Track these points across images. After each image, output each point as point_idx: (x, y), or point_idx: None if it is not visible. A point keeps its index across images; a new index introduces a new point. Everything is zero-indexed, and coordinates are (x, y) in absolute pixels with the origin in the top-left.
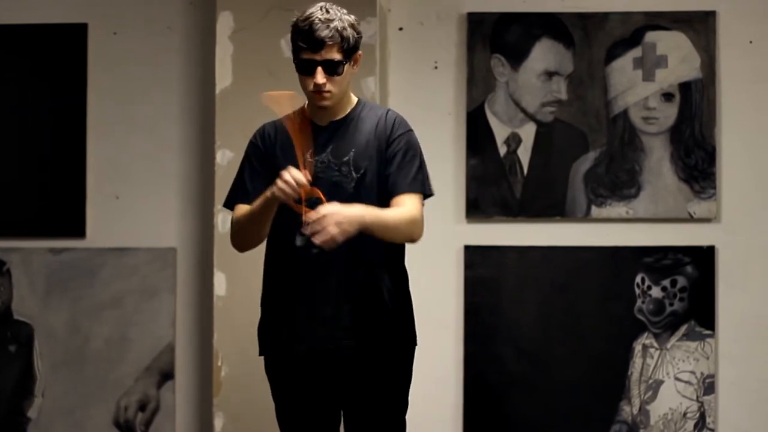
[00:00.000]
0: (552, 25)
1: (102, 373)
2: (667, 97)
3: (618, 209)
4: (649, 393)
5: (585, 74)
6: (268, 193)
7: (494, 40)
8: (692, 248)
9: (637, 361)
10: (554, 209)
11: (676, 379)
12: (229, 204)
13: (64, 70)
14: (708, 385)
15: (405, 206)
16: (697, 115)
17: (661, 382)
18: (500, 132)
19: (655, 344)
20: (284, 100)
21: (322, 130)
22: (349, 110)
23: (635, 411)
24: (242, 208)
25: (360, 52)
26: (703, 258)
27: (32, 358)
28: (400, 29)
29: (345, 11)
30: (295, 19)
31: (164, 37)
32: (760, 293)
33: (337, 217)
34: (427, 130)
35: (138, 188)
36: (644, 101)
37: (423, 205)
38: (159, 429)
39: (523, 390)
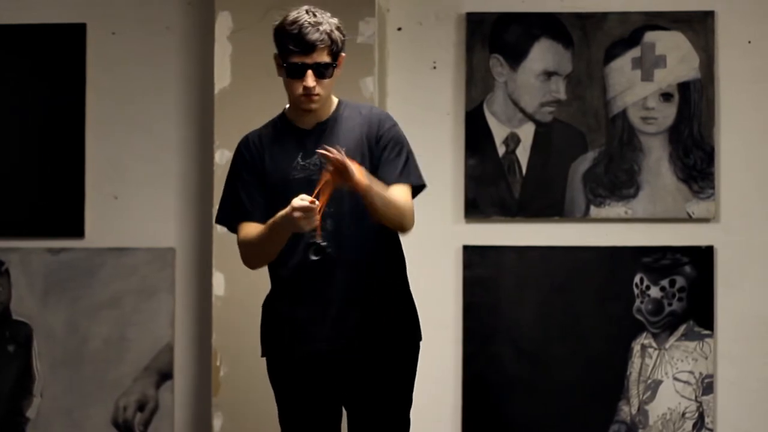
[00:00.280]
0: (551, 25)
1: (101, 373)
2: (666, 97)
3: (617, 209)
4: (648, 393)
5: (584, 74)
6: (282, 221)
7: (493, 40)
8: (691, 248)
9: (635, 361)
10: (553, 209)
11: (675, 379)
12: (230, 223)
13: (63, 70)
14: (707, 385)
15: (397, 192)
16: (695, 115)
17: (660, 382)
18: (499, 132)
19: (654, 344)
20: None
21: (309, 133)
22: (332, 111)
23: (634, 411)
24: (249, 228)
25: (343, 54)
26: (702, 258)
27: (31, 358)
28: (399, 29)
29: (329, 14)
30: (277, 22)
31: (163, 37)
32: (758, 293)
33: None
34: (426, 130)
35: (137, 188)
36: (643, 101)
37: (412, 195)
38: (158, 429)
39: (522, 390)
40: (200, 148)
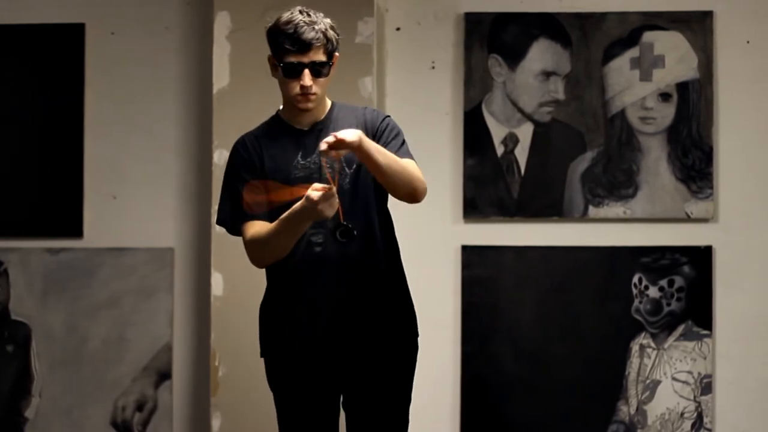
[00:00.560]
0: (549, 25)
1: (99, 373)
2: (665, 97)
3: (615, 209)
4: (647, 393)
5: (582, 74)
6: (301, 212)
7: (491, 40)
8: (689, 248)
9: (634, 361)
10: (551, 209)
11: (674, 379)
12: (233, 223)
13: (62, 70)
14: (705, 385)
15: (404, 160)
16: (694, 115)
17: (659, 382)
18: (497, 132)
19: (653, 344)
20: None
21: (306, 133)
22: (327, 111)
23: (632, 411)
24: (257, 226)
25: (337, 54)
26: (701, 258)
27: (29, 358)
28: (398, 29)
29: (322, 14)
30: (270, 23)
31: (161, 37)
32: (757, 293)
33: (340, 133)
34: (425, 130)
35: (135, 188)
36: (641, 101)
37: None
38: (156, 429)
39: (521, 390)
40: (199, 148)
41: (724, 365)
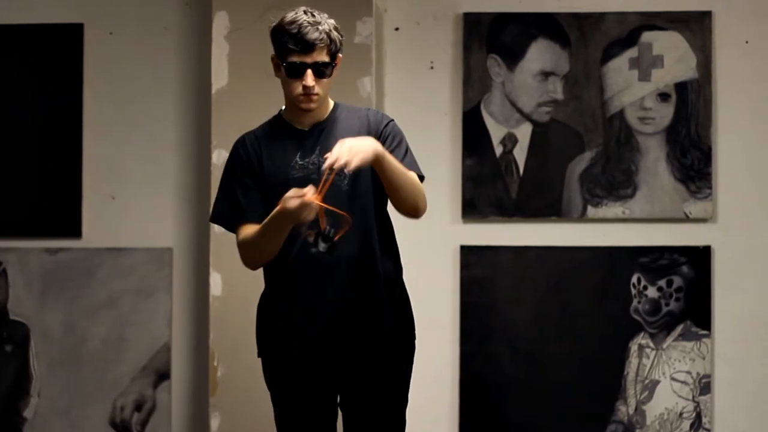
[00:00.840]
0: (548, 25)
1: (98, 373)
2: (663, 97)
3: (614, 209)
4: (645, 393)
5: (581, 74)
6: (279, 216)
7: (490, 40)
8: (688, 248)
9: (633, 361)
10: (550, 209)
11: (672, 379)
12: (227, 222)
13: (60, 70)
14: (704, 385)
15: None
16: (693, 115)
17: (657, 382)
18: (496, 132)
19: (651, 344)
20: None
21: (307, 134)
22: (329, 112)
23: (631, 411)
24: (249, 229)
25: (341, 55)
26: (699, 258)
27: (28, 358)
28: (397, 29)
29: (326, 14)
30: (274, 23)
31: (160, 37)
32: (756, 293)
33: (352, 143)
34: (423, 130)
35: (134, 188)
36: (640, 101)
37: None
38: (155, 429)
39: (519, 390)
40: (197, 148)
41: (723, 365)
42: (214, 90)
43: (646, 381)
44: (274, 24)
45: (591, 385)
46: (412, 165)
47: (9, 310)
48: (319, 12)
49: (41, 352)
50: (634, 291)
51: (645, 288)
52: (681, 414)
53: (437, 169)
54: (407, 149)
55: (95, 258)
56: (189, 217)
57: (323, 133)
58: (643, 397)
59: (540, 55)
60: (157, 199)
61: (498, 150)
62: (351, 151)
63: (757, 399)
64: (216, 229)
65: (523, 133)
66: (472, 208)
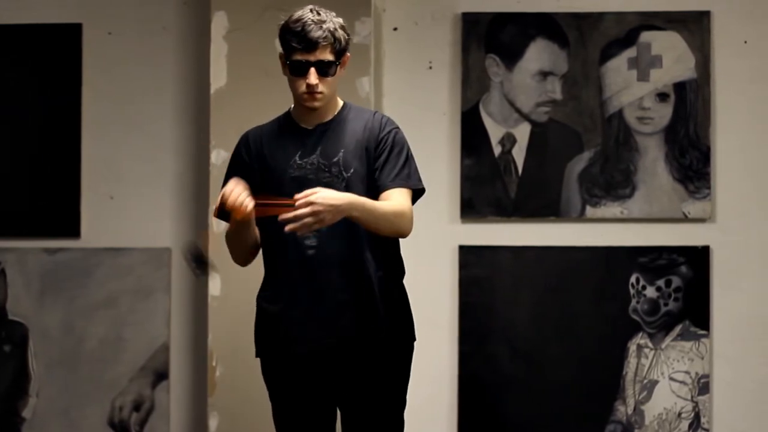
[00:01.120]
0: (547, 25)
1: (97, 373)
2: (662, 97)
3: (613, 209)
4: (644, 393)
5: (579, 74)
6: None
7: (489, 40)
8: (687, 248)
9: (631, 361)
10: (549, 209)
11: (671, 379)
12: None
13: (59, 70)
14: (703, 385)
15: (393, 199)
16: (691, 115)
17: (656, 382)
18: (495, 132)
19: (650, 344)
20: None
21: (310, 133)
22: (335, 113)
23: (630, 411)
24: None
25: (348, 54)
26: (698, 258)
27: (27, 358)
28: (395, 29)
29: (334, 13)
30: (283, 21)
31: (159, 37)
32: (754, 293)
33: (318, 207)
34: (422, 130)
35: (133, 188)
36: (639, 101)
37: (412, 200)
38: (154, 429)
39: (518, 390)
40: (196, 148)
41: (722, 365)
42: (212, 90)
43: (645, 381)
44: (282, 22)
45: (590, 385)
46: (406, 180)
47: (8, 310)
48: (327, 11)
49: (40, 352)
50: (632, 291)
51: (644, 288)
52: (680, 414)
53: (436, 169)
54: (405, 162)
55: (94, 258)
56: (187, 217)
57: (326, 134)
58: (641, 397)
59: (538, 55)
60: (156, 199)
61: (496, 150)
62: (316, 216)
63: (755, 399)
64: (214, 228)
65: (522, 133)
66: (471, 208)
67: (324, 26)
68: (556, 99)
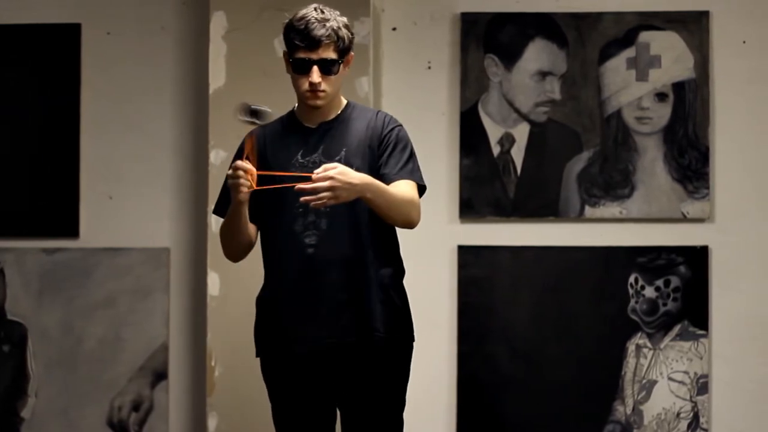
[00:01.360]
0: (545, 26)
1: (95, 373)
2: (661, 97)
3: (611, 209)
4: (643, 393)
5: (578, 74)
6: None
7: (488, 41)
8: (686, 248)
9: (630, 361)
10: (547, 209)
11: (670, 379)
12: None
13: (58, 70)
14: (701, 385)
15: (402, 187)
16: (690, 115)
17: (655, 382)
18: (494, 132)
19: (649, 344)
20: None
21: (313, 131)
22: (339, 111)
23: (629, 411)
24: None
25: (352, 53)
26: (697, 258)
27: (26, 358)
28: (394, 29)
29: (338, 12)
30: (287, 19)
31: (158, 37)
32: (753, 293)
33: (336, 182)
34: (421, 130)
35: (131, 188)
36: (638, 101)
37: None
38: (153, 429)
39: (517, 390)
40: (195, 148)
41: (721, 365)
42: (211, 90)
43: (644, 381)
44: (287, 21)
45: (588, 385)
46: (410, 174)
47: (6, 310)
48: (331, 9)
49: (39, 352)
50: (631, 291)
51: (642, 288)
52: (678, 414)
53: (435, 169)
54: (409, 157)
55: (92, 258)
56: (186, 217)
57: (329, 133)
58: (640, 397)
59: (537, 55)
60: (155, 199)
61: (495, 150)
62: (333, 190)
63: (754, 399)
64: (213, 228)
65: (521, 133)
66: (470, 208)
67: (327, 24)
68: (555, 99)
